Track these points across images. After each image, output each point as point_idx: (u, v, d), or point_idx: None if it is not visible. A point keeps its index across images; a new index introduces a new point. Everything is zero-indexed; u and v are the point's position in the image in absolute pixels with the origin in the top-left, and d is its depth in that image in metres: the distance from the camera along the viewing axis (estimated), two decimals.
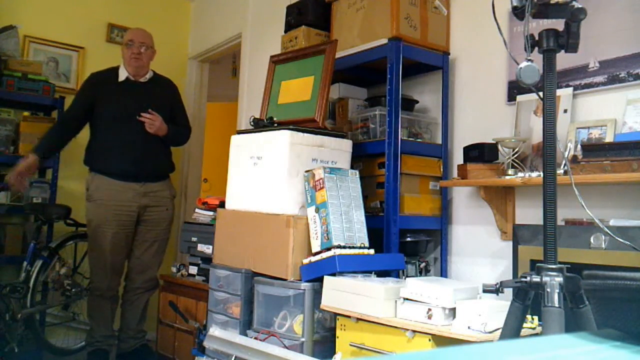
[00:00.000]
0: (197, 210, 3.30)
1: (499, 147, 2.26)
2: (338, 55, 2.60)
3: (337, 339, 2.05)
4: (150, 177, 3.29)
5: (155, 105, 3.28)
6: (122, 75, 3.31)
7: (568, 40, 1.40)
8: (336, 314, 2.06)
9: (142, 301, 3.36)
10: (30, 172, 3.14)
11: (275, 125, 2.48)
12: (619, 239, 1.54)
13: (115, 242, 3.19)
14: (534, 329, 1.78)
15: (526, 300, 1.40)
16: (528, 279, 1.35)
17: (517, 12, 1.38)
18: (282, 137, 2.32)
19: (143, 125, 3.19)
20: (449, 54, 2.69)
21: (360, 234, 2.25)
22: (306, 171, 2.30)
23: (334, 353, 2.00)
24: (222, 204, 2.91)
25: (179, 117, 3.49)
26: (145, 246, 3.32)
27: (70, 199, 3.69)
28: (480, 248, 2.52)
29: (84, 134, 3.33)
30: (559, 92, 2.11)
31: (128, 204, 3.21)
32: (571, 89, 2.21)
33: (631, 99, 2.03)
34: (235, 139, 2.61)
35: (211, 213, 3.16)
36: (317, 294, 2.12)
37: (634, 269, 1.77)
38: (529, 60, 1.33)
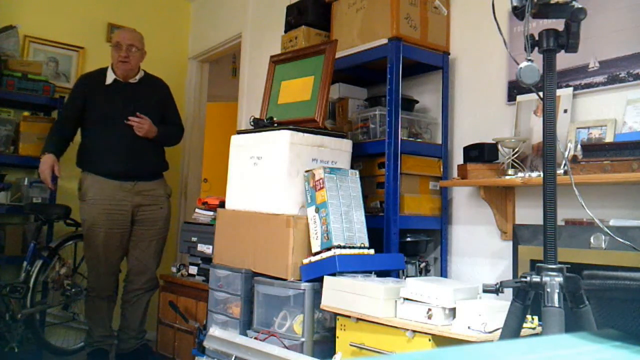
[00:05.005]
0: (197, 210, 3.30)
1: (499, 147, 2.26)
2: (338, 55, 2.60)
3: (337, 339, 2.05)
4: (142, 176, 3.29)
5: (145, 107, 3.28)
6: (111, 76, 3.30)
7: (568, 40, 1.40)
8: (336, 314, 2.06)
9: (143, 302, 3.37)
10: (57, 170, 3.17)
11: (275, 125, 2.48)
12: (619, 239, 1.54)
13: (109, 242, 3.19)
14: (534, 329, 1.78)
15: (526, 300, 1.40)
16: (528, 279, 1.35)
17: (517, 12, 1.39)
18: (282, 137, 2.32)
19: (132, 127, 3.21)
20: (449, 54, 2.69)
21: (360, 234, 2.25)
22: (306, 171, 2.30)
23: (334, 353, 2.00)
24: (222, 204, 2.91)
25: (171, 115, 3.48)
26: (143, 246, 3.32)
27: (70, 199, 3.69)
28: (480, 248, 2.52)
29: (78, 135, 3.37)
30: (559, 92, 2.10)
31: (121, 203, 3.22)
32: (571, 89, 2.21)
33: (631, 99, 2.03)
34: (235, 139, 2.61)
35: (211, 213, 3.16)
36: (317, 294, 2.12)
37: (634, 269, 1.77)
38: (529, 60, 1.33)
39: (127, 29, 3.47)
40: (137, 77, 3.35)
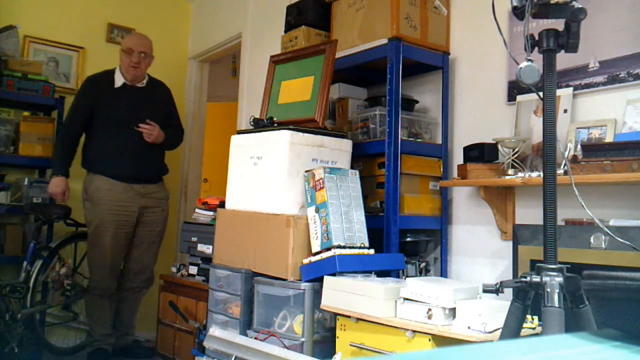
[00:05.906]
0: (197, 210, 3.31)
1: (499, 147, 2.26)
2: (338, 55, 2.60)
3: (337, 339, 2.05)
4: (149, 179, 3.37)
5: (153, 111, 3.36)
6: (119, 80, 3.35)
7: (568, 40, 1.40)
8: (336, 314, 2.06)
9: (140, 298, 3.47)
10: (67, 196, 3.32)
11: (275, 125, 2.48)
12: (619, 239, 1.54)
13: (115, 242, 3.25)
14: (534, 329, 1.78)
15: (526, 300, 1.40)
16: (528, 279, 1.35)
17: (517, 12, 1.39)
18: (282, 137, 2.32)
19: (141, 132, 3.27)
20: (449, 54, 2.69)
21: (360, 234, 2.24)
22: (306, 171, 2.30)
23: (334, 353, 2.00)
24: (222, 204, 2.91)
25: (173, 119, 3.59)
26: (144, 247, 3.40)
27: (70, 199, 3.68)
28: (480, 248, 2.52)
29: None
30: (559, 92, 2.10)
31: (128, 205, 3.27)
32: (571, 89, 2.20)
33: (631, 99, 2.03)
34: (235, 139, 2.61)
35: (211, 213, 3.17)
36: (317, 294, 2.12)
37: (634, 269, 1.77)
38: (529, 60, 1.33)
39: (138, 34, 3.54)
40: (144, 81, 3.43)
